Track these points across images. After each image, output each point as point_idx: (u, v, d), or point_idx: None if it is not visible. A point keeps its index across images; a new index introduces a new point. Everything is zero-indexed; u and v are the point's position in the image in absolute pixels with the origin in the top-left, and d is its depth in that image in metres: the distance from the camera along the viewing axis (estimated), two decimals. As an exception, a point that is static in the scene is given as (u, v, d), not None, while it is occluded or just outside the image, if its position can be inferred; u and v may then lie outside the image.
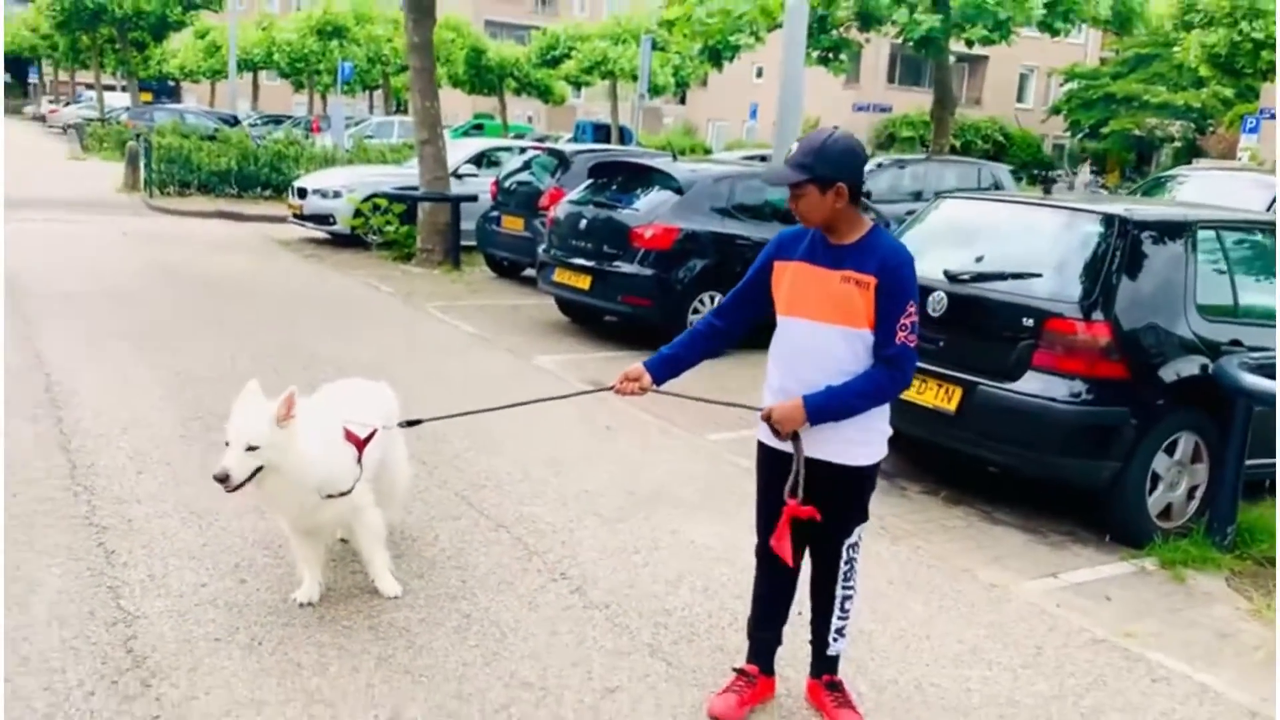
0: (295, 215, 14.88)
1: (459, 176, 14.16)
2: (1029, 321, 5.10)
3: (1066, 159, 48.47)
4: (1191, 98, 38.30)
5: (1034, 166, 42.40)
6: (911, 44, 19.03)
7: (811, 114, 34.33)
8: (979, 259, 5.55)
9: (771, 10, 18.28)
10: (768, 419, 3.14)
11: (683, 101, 56.45)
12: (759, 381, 3.36)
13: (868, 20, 18.76)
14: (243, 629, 3.70)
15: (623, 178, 9.71)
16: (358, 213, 14.03)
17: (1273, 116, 23.90)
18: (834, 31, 19.34)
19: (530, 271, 11.88)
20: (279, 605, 3.90)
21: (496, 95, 45.00)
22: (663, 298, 8.61)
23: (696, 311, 8.74)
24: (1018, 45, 20.08)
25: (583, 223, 9.20)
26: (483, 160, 15.22)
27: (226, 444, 3.48)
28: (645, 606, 4.09)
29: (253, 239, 15.00)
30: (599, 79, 40.39)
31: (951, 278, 5.44)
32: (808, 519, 3.11)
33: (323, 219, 14.47)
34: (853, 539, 3.26)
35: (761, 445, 3.31)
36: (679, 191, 8.90)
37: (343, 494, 3.72)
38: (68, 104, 50.21)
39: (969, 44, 19.20)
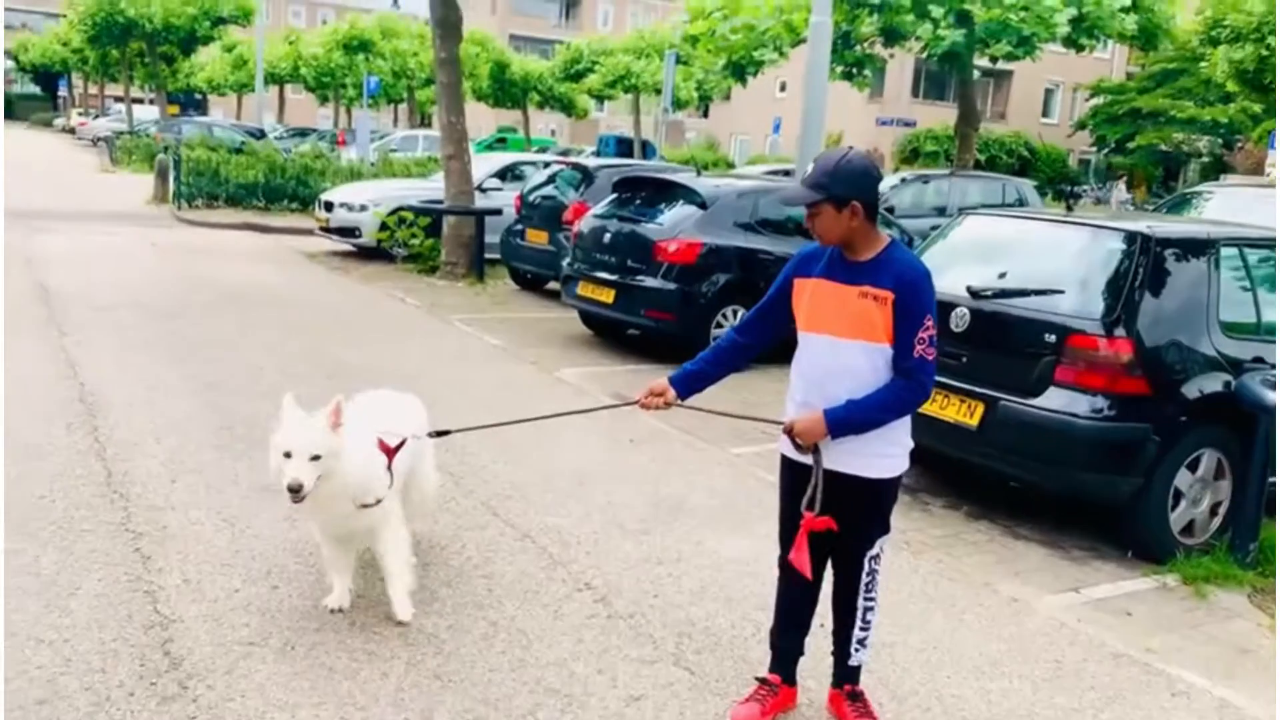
0: (322, 228, 15.06)
1: (484, 190, 14.31)
2: (1051, 337, 5.14)
3: (1092, 174, 48.27)
4: (1219, 113, 38.07)
5: (1059, 182, 42.26)
6: (935, 59, 19.06)
7: (835, 129, 34.41)
8: (1002, 275, 5.59)
9: (795, 26, 18.37)
10: (789, 432, 3.20)
11: (705, 115, 56.66)
12: (782, 395, 3.42)
13: (891, 36, 18.82)
14: (275, 634, 3.79)
15: (646, 192, 9.80)
16: (383, 226, 14.19)
17: (1300, 132, 23.74)
18: (858, 47, 19.41)
19: (554, 285, 12.00)
20: (310, 611, 3.98)
21: (520, 109, 45.39)
22: (686, 312, 8.68)
23: (719, 325, 8.81)
24: (1043, 60, 20.08)
25: (607, 237, 9.29)
26: (507, 174, 15.37)
27: (286, 455, 3.53)
28: (669, 617, 4.15)
29: (280, 251, 15.20)
30: (622, 93, 40.68)
31: (974, 293, 5.48)
32: (825, 530, 3.17)
33: (349, 232, 14.64)
34: (874, 551, 3.31)
35: (784, 458, 3.37)
36: (702, 206, 8.98)
37: (377, 502, 3.80)
38: (97, 117, 50.95)
39: (993, 59, 19.22)
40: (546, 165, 14.58)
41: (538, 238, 12.11)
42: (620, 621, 4.08)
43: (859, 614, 3.35)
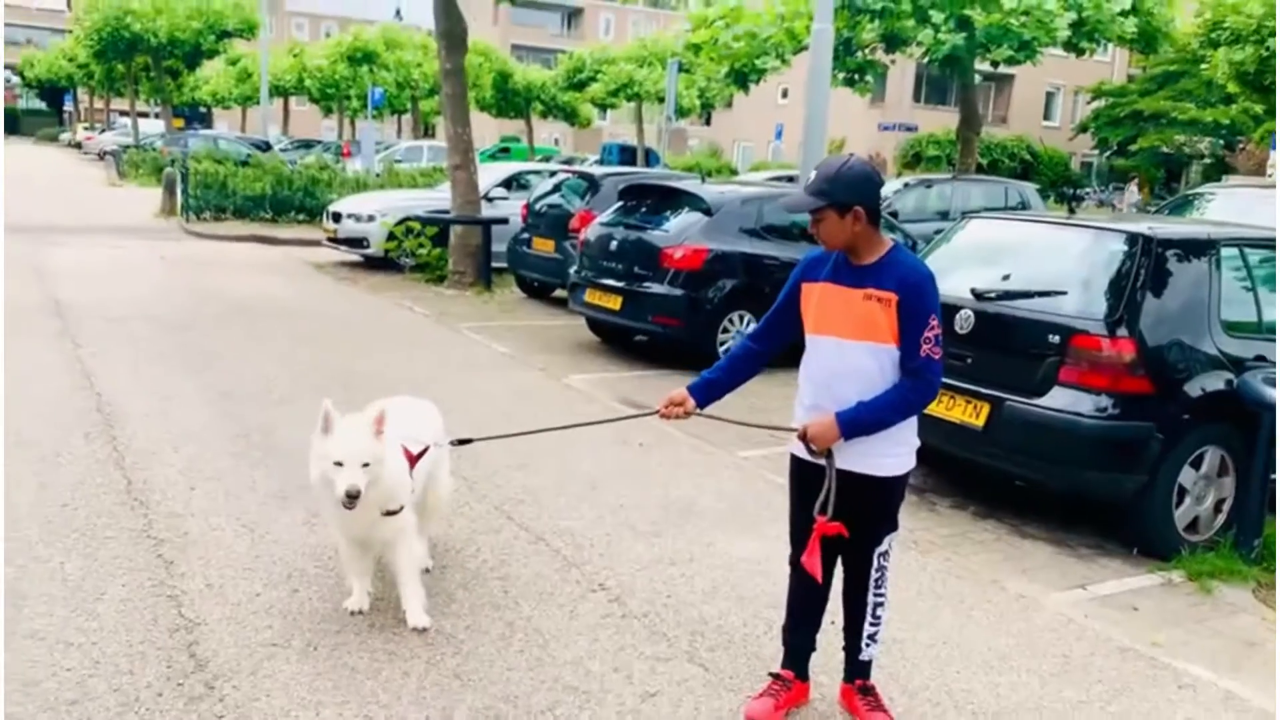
0: (330, 239, 15.18)
1: (490, 200, 14.42)
2: (1055, 338, 5.21)
3: (1095, 177, 48.35)
4: (1220, 114, 38.12)
5: (1062, 185, 42.33)
6: (936, 64, 19.16)
7: (837, 134, 34.51)
8: (1006, 277, 5.67)
9: (797, 33, 18.48)
10: (803, 437, 3.27)
11: (708, 123, 56.82)
12: (789, 399, 3.50)
13: (893, 42, 18.92)
14: (298, 635, 3.87)
15: (652, 200, 9.90)
16: (391, 236, 14.30)
17: (1302, 132, 23.80)
18: (859, 53, 19.51)
19: (560, 292, 12.10)
20: (331, 613, 4.06)
21: (523, 118, 45.58)
22: (693, 317, 8.77)
23: (726, 331, 8.89)
24: (1044, 64, 20.17)
25: (613, 244, 9.39)
26: (513, 183, 15.49)
27: (338, 464, 3.61)
28: (682, 615, 4.23)
29: (288, 262, 15.31)
30: (625, 101, 40.85)
31: (978, 296, 5.56)
32: (836, 535, 3.25)
33: (357, 242, 14.75)
34: (883, 547, 3.39)
35: (794, 459, 3.45)
36: (708, 213, 9.07)
37: (401, 509, 3.87)
38: (102, 131, 51.24)
39: (994, 64, 19.31)
40: (552, 174, 14.69)
41: (544, 246, 12.21)
42: (634, 621, 4.16)
43: (869, 609, 3.42)
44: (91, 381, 7.34)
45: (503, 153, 41.45)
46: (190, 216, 19.00)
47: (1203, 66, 24.61)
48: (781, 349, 3.49)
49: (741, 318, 8.93)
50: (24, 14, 71.38)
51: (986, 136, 37.25)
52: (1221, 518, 5.37)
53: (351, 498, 3.57)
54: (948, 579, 4.78)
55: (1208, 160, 42.61)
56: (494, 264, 13.51)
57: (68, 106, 69.19)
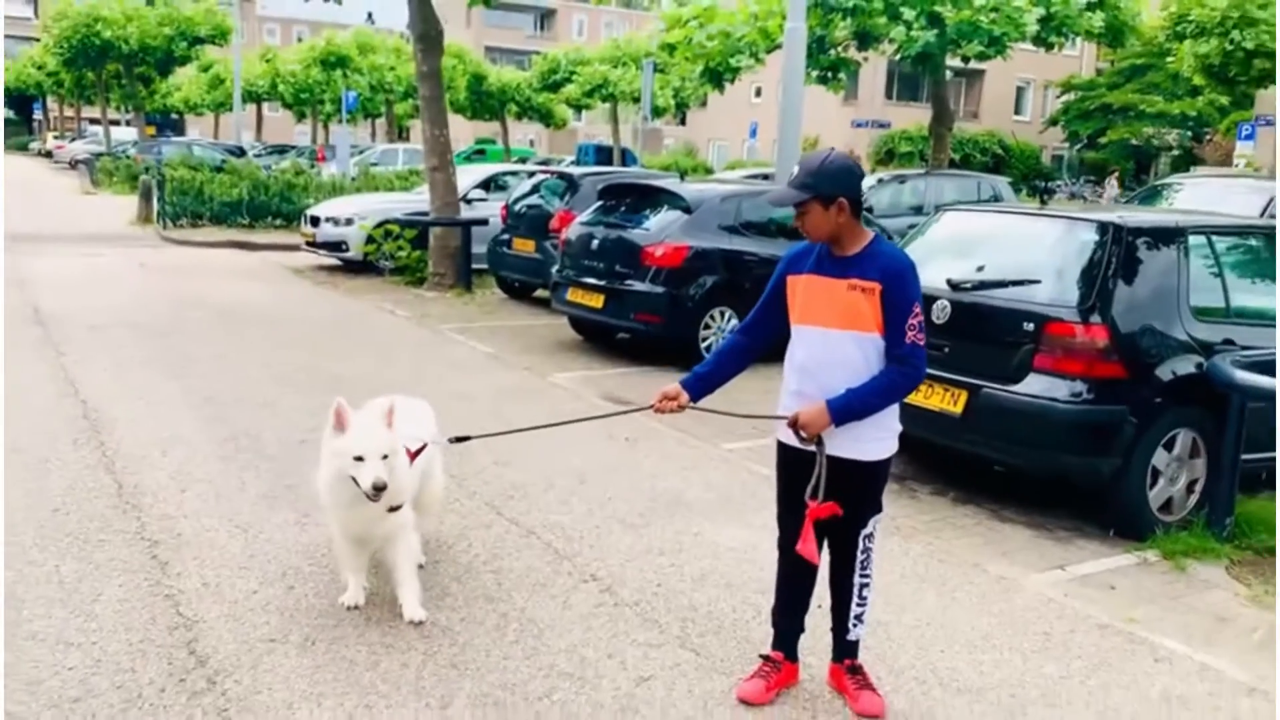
0: (308, 243, 15.17)
1: (468, 201, 14.47)
2: (1030, 326, 5.34)
3: (1066, 170, 48.81)
4: (1187, 106, 38.66)
5: (1033, 178, 42.73)
6: (908, 61, 19.34)
7: (811, 132, 34.69)
8: (980, 268, 5.79)
9: (770, 32, 18.62)
10: (794, 424, 3.37)
11: (683, 122, 56.96)
12: (769, 392, 3.60)
13: (865, 39, 19.09)
14: (296, 631, 3.93)
15: (631, 198, 9.99)
16: (370, 239, 14.33)
17: (1268, 123, 24.19)
18: (832, 51, 19.66)
19: (541, 293, 12.17)
20: (328, 609, 4.13)
21: (498, 120, 45.55)
22: (674, 314, 8.87)
23: (707, 327, 8.99)
24: (1014, 59, 20.39)
25: (594, 243, 9.47)
26: (491, 185, 15.53)
27: (358, 459, 3.67)
28: (673, 603, 4.32)
29: (266, 267, 15.30)
30: (600, 102, 40.90)
31: (954, 286, 5.69)
32: (829, 517, 3.35)
33: (335, 246, 14.76)
34: (868, 530, 3.49)
35: (782, 446, 3.54)
36: (687, 211, 9.17)
37: (402, 505, 3.94)
38: (73, 139, 50.81)
39: (965, 60, 19.51)
40: (531, 175, 14.75)
41: (524, 246, 12.27)
42: (626, 609, 4.25)
43: (855, 590, 3.52)
44: (76, 389, 7.35)
45: (478, 154, 41.40)
46: (167, 223, 18.94)
47: (1169, 59, 24.99)
48: (770, 341, 3.58)
49: (723, 314, 9.03)
50: (-10, 22, 70.58)
51: (958, 132, 37.55)
52: (1194, 498, 5.51)
53: (379, 490, 3.64)
54: (930, 563, 4.90)
55: (1176, 152, 43.15)
56: (474, 265, 13.56)
57: (37, 115, 68.52)
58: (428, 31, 13.41)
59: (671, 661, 3.82)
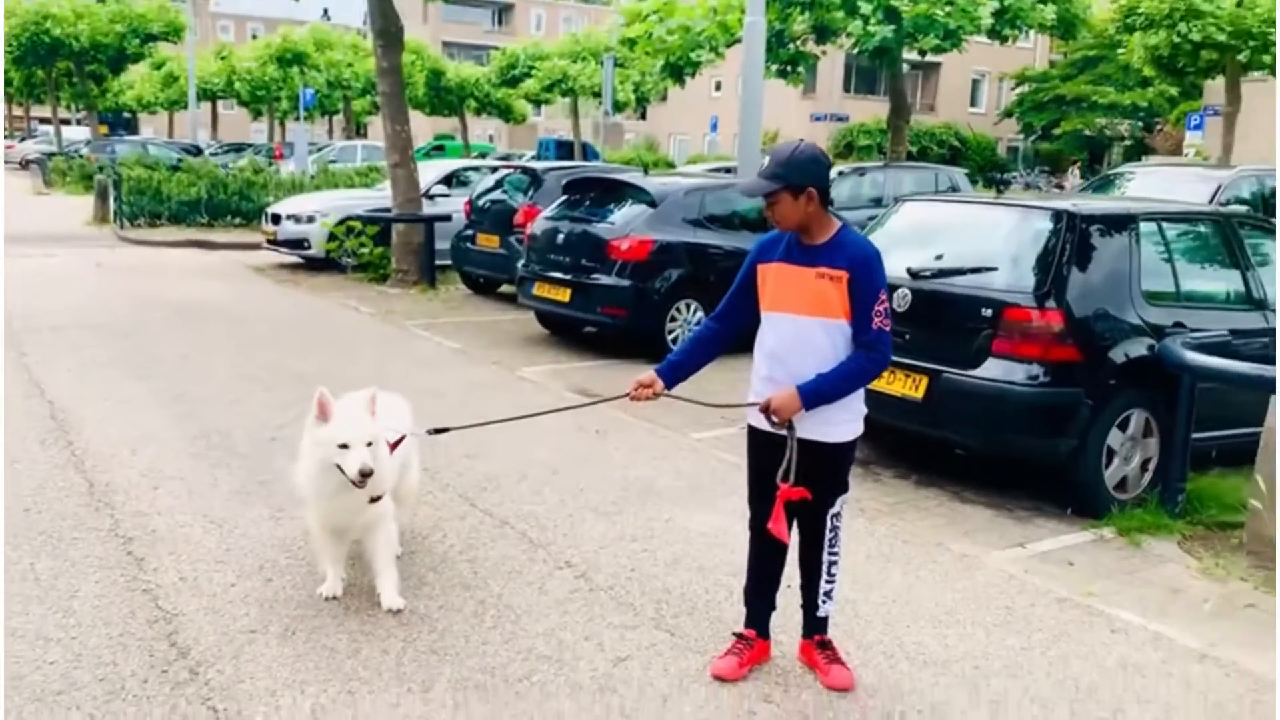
0: (269, 241, 15.08)
1: (431, 197, 14.46)
2: (988, 312, 5.49)
3: (1021, 161, 49.50)
4: (1138, 97, 39.37)
5: (989, 169, 43.30)
6: (866, 55, 19.56)
7: (771, 126, 34.86)
8: (939, 257, 5.94)
9: (730, 26, 18.74)
10: (766, 409, 3.47)
11: (643, 117, 57.05)
12: (735, 383, 3.71)
13: (823, 33, 19.29)
14: (275, 621, 3.98)
15: (596, 193, 10.06)
16: (332, 236, 14.28)
17: (1216, 113, 24.71)
18: (791, 45, 19.84)
19: (506, 288, 12.21)
20: (306, 600, 4.18)
21: (457, 115, 45.37)
22: (641, 307, 8.96)
23: (673, 319, 9.10)
24: (969, 52, 20.69)
25: (560, 238, 9.53)
26: (453, 180, 15.53)
27: (343, 446, 3.73)
28: (647, 586, 4.42)
29: (227, 266, 15.20)
30: (559, 96, 40.89)
31: (914, 275, 5.83)
32: (800, 499, 3.46)
33: (297, 244, 14.68)
34: (836, 509, 3.61)
35: (753, 430, 3.65)
36: (652, 204, 9.26)
37: (382, 495, 4.00)
38: (23, 139, 49.92)
39: (921, 53, 19.77)
40: (494, 170, 14.76)
41: (489, 242, 12.30)
42: (601, 593, 4.34)
43: (824, 568, 3.64)
44: (42, 389, 7.31)
45: (437, 150, 41.27)
46: (124, 223, 18.74)
47: (1119, 51, 25.43)
48: (742, 328, 3.68)
49: (688, 306, 9.14)
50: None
51: (916, 124, 37.97)
52: (1148, 476, 5.69)
53: (365, 476, 3.69)
54: (895, 543, 5.04)
55: (1128, 142, 43.94)
56: (438, 261, 13.56)
57: (-16, 114, 67.20)
58: (388, 28, 13.38)
59: (647, 642, 3.92)
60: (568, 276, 9.31)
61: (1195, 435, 5.46)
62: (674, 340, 8.99)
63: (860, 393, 3.55)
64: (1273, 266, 6.27)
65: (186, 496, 5.33)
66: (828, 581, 3.66)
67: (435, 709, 3.42)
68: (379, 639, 3.88)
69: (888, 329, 3.42)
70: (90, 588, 4.22)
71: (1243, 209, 10.11)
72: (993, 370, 5.42)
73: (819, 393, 3.38)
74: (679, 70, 20.60)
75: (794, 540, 3.69)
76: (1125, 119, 43.33)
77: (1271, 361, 5.22)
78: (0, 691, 3.40)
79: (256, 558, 4.59)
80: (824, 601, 3.69)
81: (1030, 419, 5.37)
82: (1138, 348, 5.51)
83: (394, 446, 4.10)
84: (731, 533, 4.81)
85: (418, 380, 8.10)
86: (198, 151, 31.58)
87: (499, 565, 4.60)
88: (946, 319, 5.70)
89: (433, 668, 3.68)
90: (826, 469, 3.54)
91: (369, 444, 3.75)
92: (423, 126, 53.53)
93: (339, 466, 3.76)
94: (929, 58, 22.69)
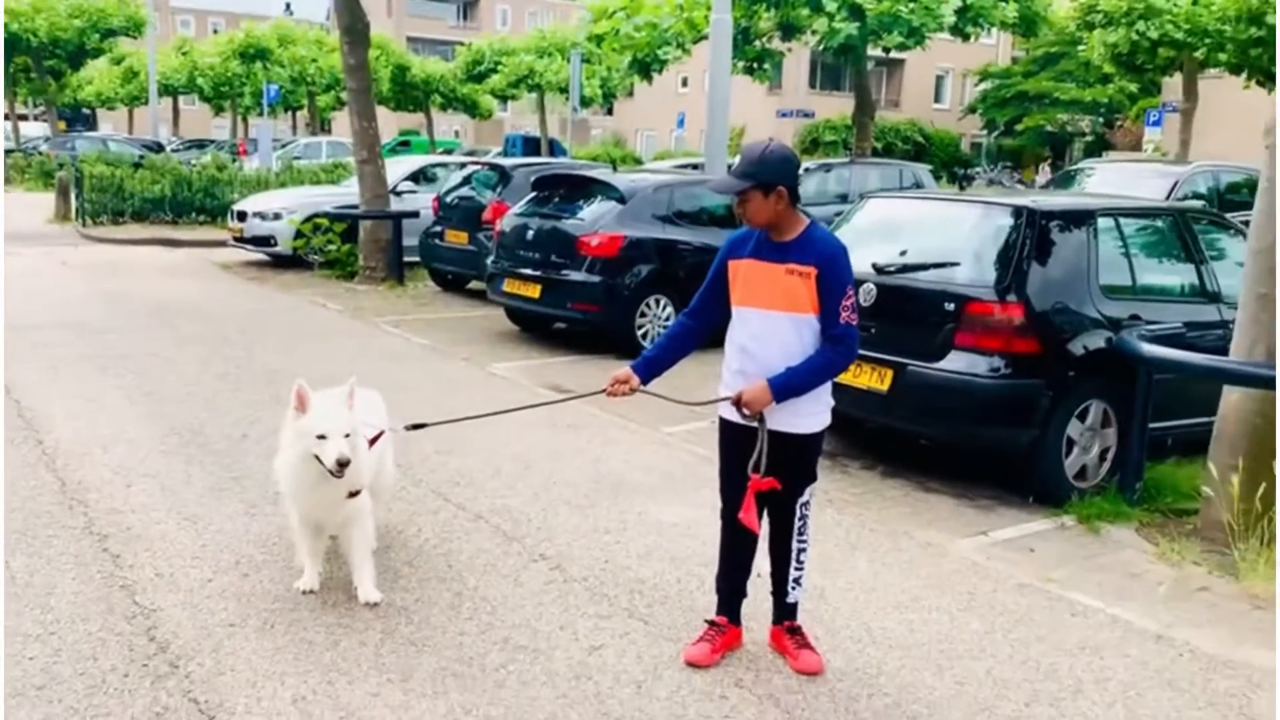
0: (236, 238, 15.00)
1: (398, 194, 14.44)
2: (951, 306, 5.62)
3: (984, 156, 50.01)
4: (1099, 94, 39.90)
5: (953, 165, 43.74)
6: (831, 52, 19.75)
7: (737, 122, 35.02)
8: (903, 252, 6.07)
9: (696, 24, 18.86)
10: (737, 402, 3.56)
11: (610, 113, 57.03)
12: (707, 377, 3.80)
13: (789, 30, 19.45)
14: (254, 615, 4.03)
15: (565, 189, 10.12)
16: (299, 234, 14.23)
17: (1174, 110, 25.13)
18: (757, 42, 19.98)
19: (475, 284, 12.24)
20: (283, 594, 4.22)
21: (422, 111, 45.14)
22: (611, 303, 9.03)
23: (643, 315, 9.18)
24: (933, 48, 20.94)
25: (530, 234, 9.59)
26: (420, 177, 15.51)
27: (320, 437, 3.77)
28: (621, 577, 4.50)
29: (193, 263, 15.10)
30: (526, 92, 40.80)
31: (879, 270, 5.95)
32: (770, 489, 3.56)
33: (264, 241, 14.62)
34: (804, 498, 3.71)
35: (725, 422, 3.74)
36: (621, 201, 9.33)
37: (360, 490, 4.05)
38: (-20, 135, 49.05)
39: (885, 50, 19.98)
40: (462, 167, 14.77)
41: (457, 238, 12.32)
42: (576, 584, 4.42)
43: (794, 555, 3.74)
44: (8, 389, 7.26)
45: (403, 146, 41.09)
46: (87, 221, 18.54)
47: (1080, 48, 25.77)
48: (714, 323, 3.77)
49: (658, 301, 9.23)
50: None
51: (880, 120, 38.26)
52: (1106, 465, 5.85)
53: (342, 465, 3.74)
54: (862, 532, 5.15)
55: (1089, 138, 44.52)
56: (406, 258, 13.56)
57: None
58: (354, 24, 13.34)
59: (621, 631, 4.00)
60: (538, 273, 9.36)
61: (1152, 425, 5.63)
62: (644, 335, 9.08)
63: (828, 385, 3.65)
64: (1226, 260, 6.45)
65: (160, 493, 5.35)
66: (797, 569, 3.76)
67: (414, 698, 3.48)
68: (357, 631, 3.93)
69: (855, 323, 3.52)
70: (67, 584, 4.24)
71: (1198, 204, 10.35)
72: (956, 363, 5.55)
73: (789, 386, 3.48)
74: (646, 67, 20.70)
75: (764, 529, 3.79)
76: (1086, 115, 43.91)
77: (1225, 353, 5.39)
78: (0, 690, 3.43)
79: (232, 553, 4.62)
80: (793, 588, 3.79)
81: (992, 410, 5.50)
82: (1096, 340, 5.66)
83: (372, 442, 4.15)
84: (702, 524, 4.91)
85: (388, 377, 8.11)
86: (159, 148, 31.22)
87: (474, 558, 4.67)
88: (911, 313, 5.83)
89: (411, 658, 3.74)
90: (796, 459, 3.64)
91: (347, 435, 3.80)
92: (388, 122, 53.19)
93: (317, 457, 3.80)
94: (893, 54, 22.94)
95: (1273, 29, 18.86)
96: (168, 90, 45.73)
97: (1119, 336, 5.64)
